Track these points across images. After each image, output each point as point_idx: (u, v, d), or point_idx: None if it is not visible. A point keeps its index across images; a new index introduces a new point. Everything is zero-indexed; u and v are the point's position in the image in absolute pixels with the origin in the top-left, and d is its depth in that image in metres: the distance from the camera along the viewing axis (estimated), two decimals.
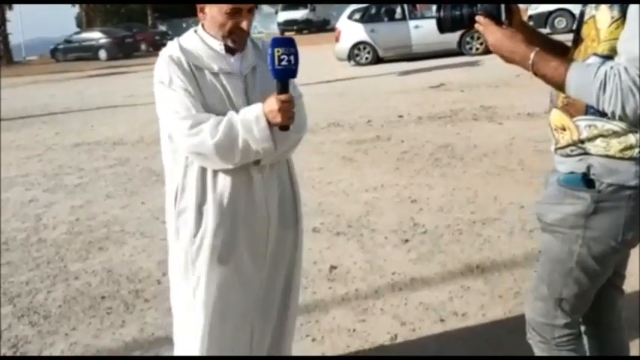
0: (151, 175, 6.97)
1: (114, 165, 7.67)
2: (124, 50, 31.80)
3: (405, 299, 3.61)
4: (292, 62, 2.04)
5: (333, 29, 21.09)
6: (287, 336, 2.56)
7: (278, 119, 2.09)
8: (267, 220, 2.33)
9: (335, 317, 3.45)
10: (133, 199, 6.11)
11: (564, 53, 1.95)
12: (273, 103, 2.09)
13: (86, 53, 31.93)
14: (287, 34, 34.93)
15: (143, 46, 34.39)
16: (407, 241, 4.47)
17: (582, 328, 2.22)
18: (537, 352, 2.13)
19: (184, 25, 44.86)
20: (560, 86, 1.78)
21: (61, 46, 34.00)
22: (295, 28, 36.80)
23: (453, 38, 16.51)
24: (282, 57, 2.03)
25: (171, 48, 2.24)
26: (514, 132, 7.36)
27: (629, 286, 3.39)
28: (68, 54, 32.91)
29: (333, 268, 4.09)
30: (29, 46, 49.99)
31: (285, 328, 2.53)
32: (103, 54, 31.40)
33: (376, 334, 3.25)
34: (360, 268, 4.07)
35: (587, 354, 2.22)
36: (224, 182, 2.24)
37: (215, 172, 2.24)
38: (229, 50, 2.24)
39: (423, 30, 16.46)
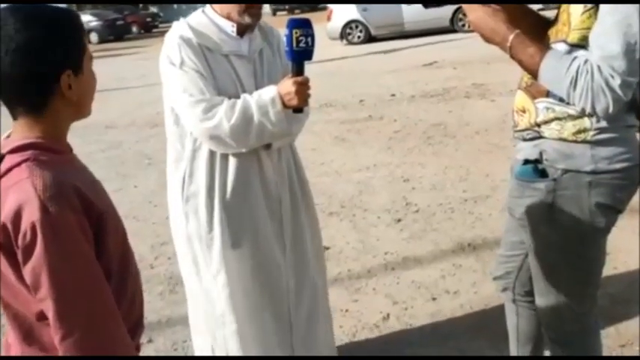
0: (143, 158, 6.95)
1: (106, 149, 7.64)
2: (115, 33, 31.46)
3: (398, 278, 3.62)
4: (310, 44, 1.97)
5: (324, 8, 20.93)
6: (321, 316, 2.54)
7: (294, 102, 2.03)
8: (279, 204, 2.31)
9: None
10: (126, 182, 6.10)
11: None
12: (289, 85, 2.02)
13: None
14: (279, 13, 34.71)
15: (134, 28, 34.08)
16: (399, 220, 4.48)
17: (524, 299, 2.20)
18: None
19: (175, 6, 44.56)
20: (534, 74, 1.73)
21: None
22: (287, 7, 36.51)
23: (445, 15, 16.43)
24: (300, 38, 1.94)
25: (180, 28, 2.16)
26: (506, 109, 7.23)
27: (621, 262, 3.43)
28: None
29: (326, 248, 4.07)
30: None
31: (318, 306, 2.51)
32: (94, 37, 31.02)
33: (369, 314, 3.27)
34: (352, 248, 4.08)
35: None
36: (234, 166, 2.19)
37: (224, 157, 2.19)
38: (239, 32, 2.18)
39: (416, 8, 16.37)
